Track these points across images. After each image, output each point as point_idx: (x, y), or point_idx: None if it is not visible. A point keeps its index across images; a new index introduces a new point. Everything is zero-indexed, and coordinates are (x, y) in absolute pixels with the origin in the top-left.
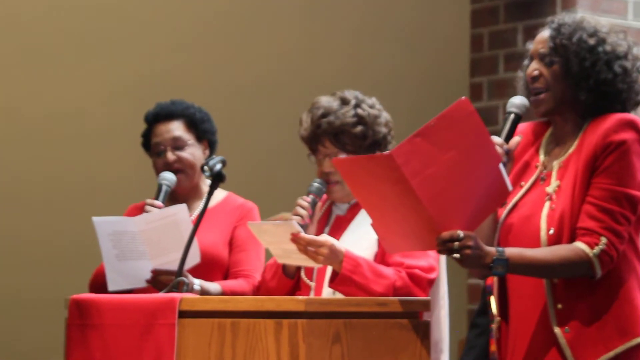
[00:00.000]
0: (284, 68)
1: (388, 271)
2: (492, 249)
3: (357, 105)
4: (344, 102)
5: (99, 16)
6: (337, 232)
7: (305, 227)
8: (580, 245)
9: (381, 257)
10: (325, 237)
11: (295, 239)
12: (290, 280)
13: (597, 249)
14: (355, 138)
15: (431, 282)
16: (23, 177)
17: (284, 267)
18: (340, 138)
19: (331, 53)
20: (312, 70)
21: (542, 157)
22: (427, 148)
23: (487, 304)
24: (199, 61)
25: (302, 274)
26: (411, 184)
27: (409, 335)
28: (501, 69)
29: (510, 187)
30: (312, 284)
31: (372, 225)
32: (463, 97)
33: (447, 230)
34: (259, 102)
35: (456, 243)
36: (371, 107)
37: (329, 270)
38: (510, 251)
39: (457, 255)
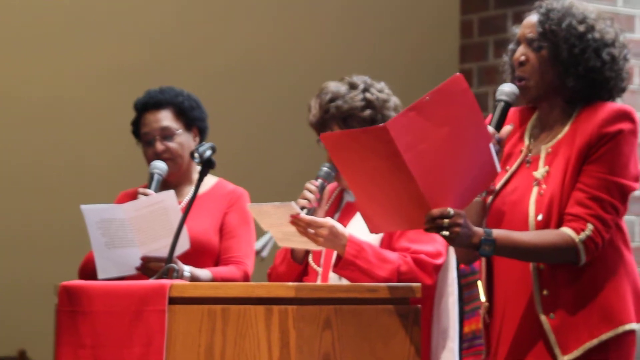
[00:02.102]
0: (271, 51)
1: (393, 256)
2: (479, 230)
3: (365, 90)
4: (353, 86)
5: (88, 2)
6: (346, 218)
7: (312, 210)
8: (566, 230)
9: (388, 242)
10: (326, 219)
11: (294, 220)
12: (299, 265)
13: (583, 235)
14: (363, 122)
15: (437, 268)
16: (12, 163)
17: (293, 252)
18: (349, 122)
19: (318, 38)
20: (299, 54)
21: (527, 141)
22: (421, 122)
23: (461, 288)
24: (187, 45)
25: (310, 259)
26: (404, 158)
27: (400, 321)
28: (491, 55)
29: (499, 169)
30: (319, 270)
31: (356, 204)
32: (457, 73)
33: (437, 208)
34: (246, 86)
35: (446, 220)
36: (380, 91)
37: (335, 255)
38: (498, 232)
39: (446, 233)
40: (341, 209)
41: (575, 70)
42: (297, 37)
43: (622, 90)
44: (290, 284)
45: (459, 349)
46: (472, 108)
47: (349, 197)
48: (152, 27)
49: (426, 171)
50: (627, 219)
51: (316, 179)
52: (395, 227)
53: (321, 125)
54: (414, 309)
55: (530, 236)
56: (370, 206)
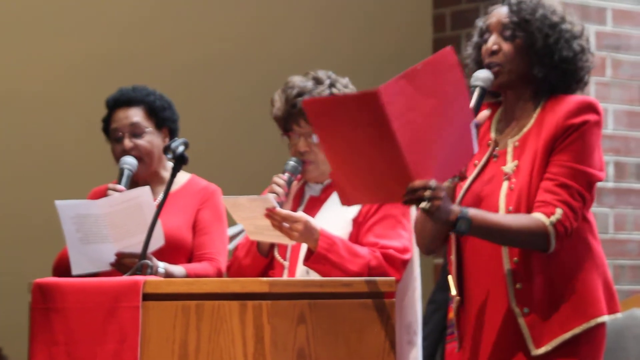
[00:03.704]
0: (243, 45)
1: (363, 251)
2: (457, 207)
3: (331, 85)
4: (318, 81)
5: None
6: (311, 212)
7: (280, 204)
8: (537, 215)
9: (355, 237)
10: (300, 214)
11: (270, 213)
12: (264, 258)
13: (552, 218)
14: None
15: (405, 263)
16: None
17: (259, 245)
18: None
19: (292, 33)
20: (272, 49)
21: (493, 134)
22: (410, 91)
23: (447, 280)
24: (158, 38)
25: (276, 252)
26: (392, 125)
27: (374, 315)
28: (464, 49)
29: (476, 149)
30: (286, 263)
31: (331, 175)
32: (448, 47)
33: (419, 180)
34: (219, 80)
35: (428, 192)
36: (345, 86)
37: (303, 249)
38: (474, 212)
39: (426, 205)
40: (305, 203)
41: (549, 60)
42: (270, 31)
43: (586, 82)
44: (264, 279)
45: (446, 336)
46: (459, 83)
47: (311, 192)
48: (122, 19)
49: (412, 141)
50: (600, 211)
51: (283, 172)
52: (370, 199)
53: (286, 119)
54: (388, 303)
55: (506, 218)
56: (345, 177)
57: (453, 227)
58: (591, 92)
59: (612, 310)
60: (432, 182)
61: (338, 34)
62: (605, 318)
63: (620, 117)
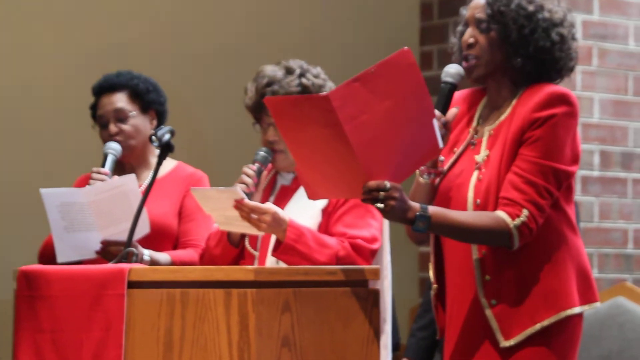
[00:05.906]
0: (240, 38)
1: (331, 241)
2: (416, 205)
3: (301, 75)
4: (289, 71)
5: None
6: (281, 201)
7: (249, 195)
8: (501, 214)
9: (325, 227)
10: (269, 205)
11: (238, 205)
12: (234, 248)
13: (518, 221)
14: None
15: (374, 253)
16: None
17: (229, 235)
18: None
19: (282, 24)
20: (262, 42)
21: (475, 122)
22: (364, 94)
23: None
24: (153, 32)
25: (247, 242)
26: (344, 128)
27: (359, 304)
28: (451, 37)
29: (441, 145)
30: (256, 253)
31: (296, 169)
32: (405, 47)
33: (374, 180)
34: (211, 73)
35: (382, 193)
36: (316, 76)
37: (273, 239)
38: (434, 209)
39: (380, 205)
40: (276, 193)
41: (525, 51)
42: (261, 23)
43: (571, 70)
44: (250, 267)
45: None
46: (417, 83)
47: (283, 181)
48: (121, 11)
49: (365, 143)
50: (585, 200)
51: (253, 163)
52: (333, 195)
53: (257, 109)
54: (373, 291)
55: (466, 216)
56: (310, 173)
57: (412, 225)
58: (577, 81)
59: (587, 300)
60: (386, 183)
61: (326, 24)
62: (576, 310)
63: (606, 106)
